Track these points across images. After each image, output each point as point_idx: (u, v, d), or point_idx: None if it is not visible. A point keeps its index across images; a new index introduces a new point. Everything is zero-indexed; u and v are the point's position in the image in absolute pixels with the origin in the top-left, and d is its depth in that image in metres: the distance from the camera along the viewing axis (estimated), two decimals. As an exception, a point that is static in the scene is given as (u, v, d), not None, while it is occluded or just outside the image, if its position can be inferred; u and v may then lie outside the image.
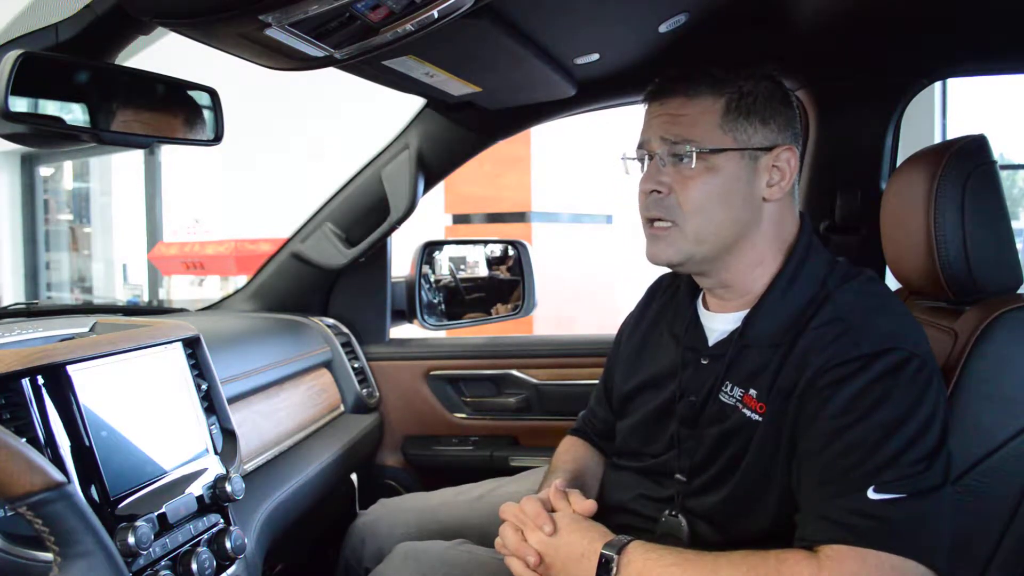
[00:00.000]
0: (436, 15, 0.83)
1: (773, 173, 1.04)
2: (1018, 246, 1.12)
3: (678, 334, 1.14)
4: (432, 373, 1.86)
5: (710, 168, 1.02)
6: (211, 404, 1.07)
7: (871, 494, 0.84)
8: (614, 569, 0.91)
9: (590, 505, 1.05)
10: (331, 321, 1.84)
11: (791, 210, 1.08)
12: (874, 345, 0.91)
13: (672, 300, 1.21)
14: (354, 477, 1.79)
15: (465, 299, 2.10)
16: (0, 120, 0.81)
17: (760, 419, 0.98)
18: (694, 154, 1.01)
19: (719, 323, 1.09)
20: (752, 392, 1.00)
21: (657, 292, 1.27)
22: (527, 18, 1.14)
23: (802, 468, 0.92)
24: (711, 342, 1.09)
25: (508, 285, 2.08)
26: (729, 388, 1.02)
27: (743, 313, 1.05)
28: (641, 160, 1.08)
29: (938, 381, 0.92)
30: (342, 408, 1.73)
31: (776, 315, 1.02)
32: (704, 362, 1.08)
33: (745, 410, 1.00)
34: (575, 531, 0.98)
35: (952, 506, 0.88)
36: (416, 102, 1.67)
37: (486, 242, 2.21)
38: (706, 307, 1.13)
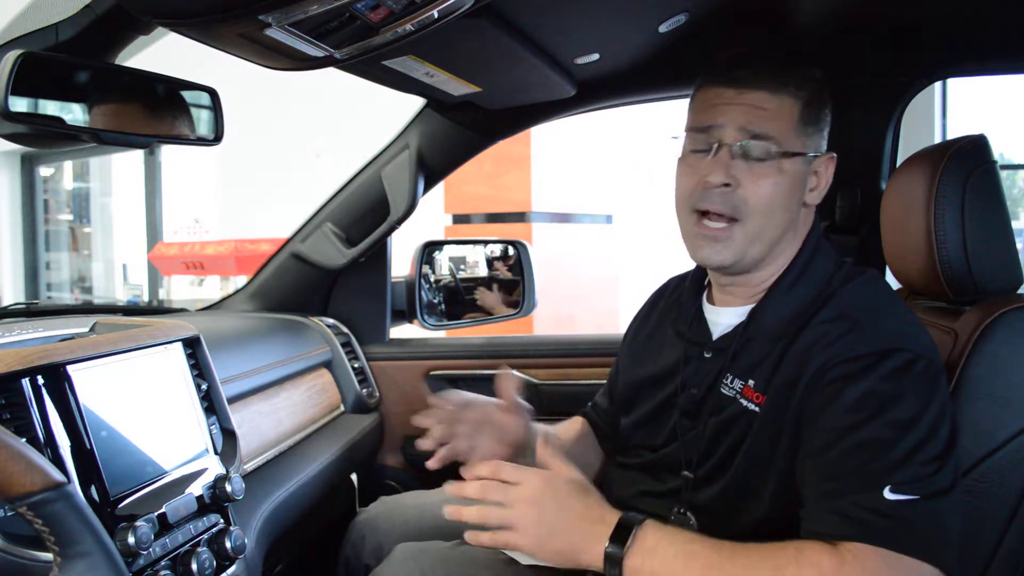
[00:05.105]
0: (436, 15, 0.83)
1: (813, 179, 1.05)
2: (1018, 246, 1.12)
3: (682, 330, 1.14)
4: (432, 373, 1.86)
5: (781, 170, 1.00)
6: (211, 404, 1.07)
7: (887, 494, 0.83)
8: (630, 540, 0.87)
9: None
10: (331, 321, 1.84)
11: (812, 212, 1.09)
12: (882, 343, 0.91)
13: (678, 298, 1.21)
14: (354, 477, 1.79)
15: (465, 299, 2.10)
16: (0, 120, 0.81)
17: (758, 410, 0.98)
18: (775, 153, 0.99)
19: (724, 317, 1.10)
20: (751, 383, 1.00)
21: (665, 292, 1.28)
22: (527, 18, 1.14)
23: (809, 463, 0.91)
24: (715, 336, 1.09)
25: (508, 285, 2.08)
26: (730, 380, 1.03)
27: (748, 307, 1.06)
28: (706, 147, 1.02)
29: (944, 382, 0.92)
30: (342, 408, 1.73)
31: (781, 309, 1.02)
32: (707, 356, 1.08)
33: (743, 401, 1.00)
34: (591, 496, 0.93)
35: (960, 508, 0.88)
36: (416, 102, 1.67)
37: (486, 242, 2.21)
38: (711, 302, 1.14)
